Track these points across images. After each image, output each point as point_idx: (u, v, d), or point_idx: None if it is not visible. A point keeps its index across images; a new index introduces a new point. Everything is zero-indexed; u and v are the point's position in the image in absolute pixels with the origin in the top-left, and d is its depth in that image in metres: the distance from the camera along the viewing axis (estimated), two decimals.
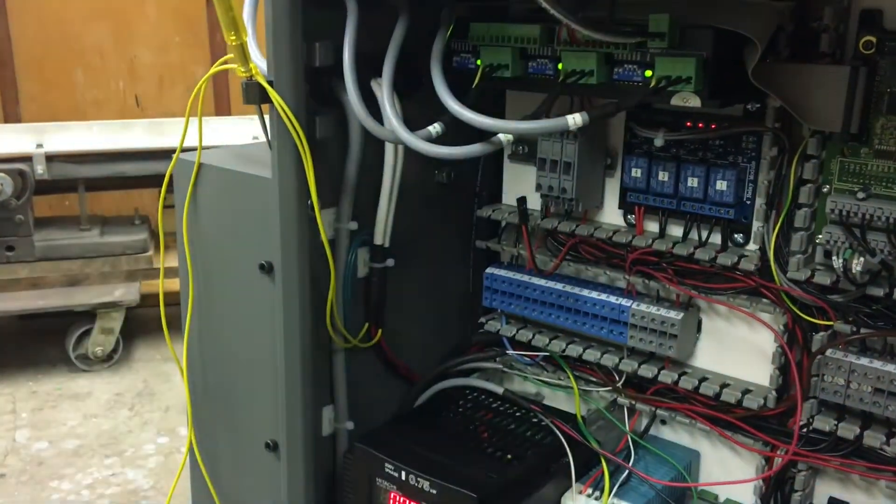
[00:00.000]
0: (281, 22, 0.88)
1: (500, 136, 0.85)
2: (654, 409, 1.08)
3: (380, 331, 1.14)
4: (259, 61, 0.95)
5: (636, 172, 1.03)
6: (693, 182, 0.99)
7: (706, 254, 0.99)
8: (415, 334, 1.23)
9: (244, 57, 0.90)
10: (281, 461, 1.05)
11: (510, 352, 1.18)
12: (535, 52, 0.95)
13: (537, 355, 1.17)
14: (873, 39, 0.84)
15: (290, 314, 0.99)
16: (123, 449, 2.12)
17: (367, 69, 0.97)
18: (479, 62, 0.98)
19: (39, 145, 2.45)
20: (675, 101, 0.85)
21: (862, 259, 0.85)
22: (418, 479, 0.97)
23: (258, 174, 1.01)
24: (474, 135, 0.89)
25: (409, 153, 1.06)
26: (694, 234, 1.03)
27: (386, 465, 1.00)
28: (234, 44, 0.89)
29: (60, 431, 2.21)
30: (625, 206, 1.08)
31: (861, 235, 0.84)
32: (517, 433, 1.08)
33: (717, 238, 1.01)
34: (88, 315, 2.54)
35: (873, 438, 0.90)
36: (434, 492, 0.96)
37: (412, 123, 0.92)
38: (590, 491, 1.02)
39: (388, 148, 1.04)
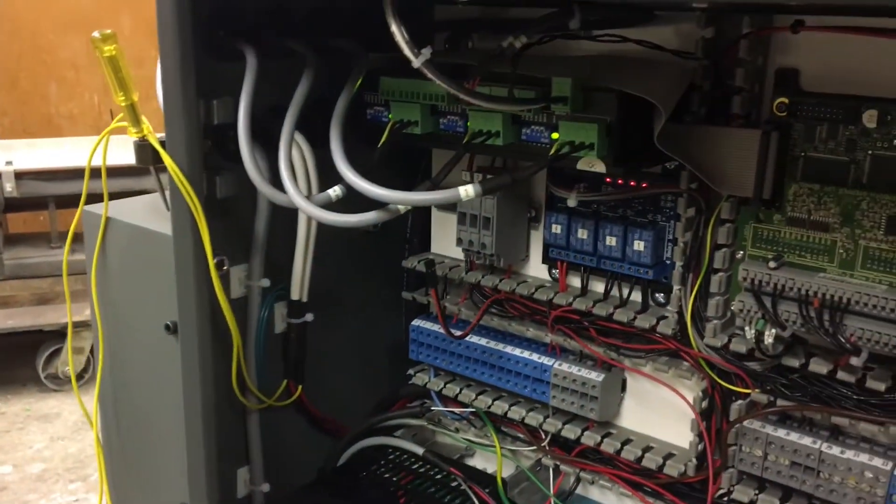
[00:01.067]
0: (172, 79, 0.85)
1: (400, 206, 0.81)
2: (578, 470, 1.04)
3: (300, 387, 1.10)
4: None
5: (556, 228, 0.99)
6: (611, 241, 0.95)
7: (625, 315, 0.95)
8: (341, 387, 1.19)
9: (135, 117, 0.86)
10: None
11: (436, 407, 1.14)
12: (445, 110, 0.91)
13: (464, 410, 1.13)
14: (786, 101, 0.80)
15: (190, 376, 0.95)
16: (88, 473, 2.10)
17: (277, 123, 0.94)
18: (390, 117, 0.94)
19: (9, 162, 2.43)
20: (582, 165, 0.81)
21: (774, 331, 0.81)
22: None
23: (163, 231, 0.97)
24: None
25: None
26: (616, 292, 0.99)
27: None
28: (123, 104, 0.85)
29: (26, 455, 2.19)
30: (548, 261, 1.04)
31: (772, 306, 0.80)
32: (435, 498, 1.04)
33: (638, 296, 0.97)
34: (59, 334, 2.51)
35: None
36: None
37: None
38: None
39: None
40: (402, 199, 0.77)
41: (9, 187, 2.39)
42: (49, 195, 2.47)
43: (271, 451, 1.09)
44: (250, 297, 1.03)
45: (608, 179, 0.95)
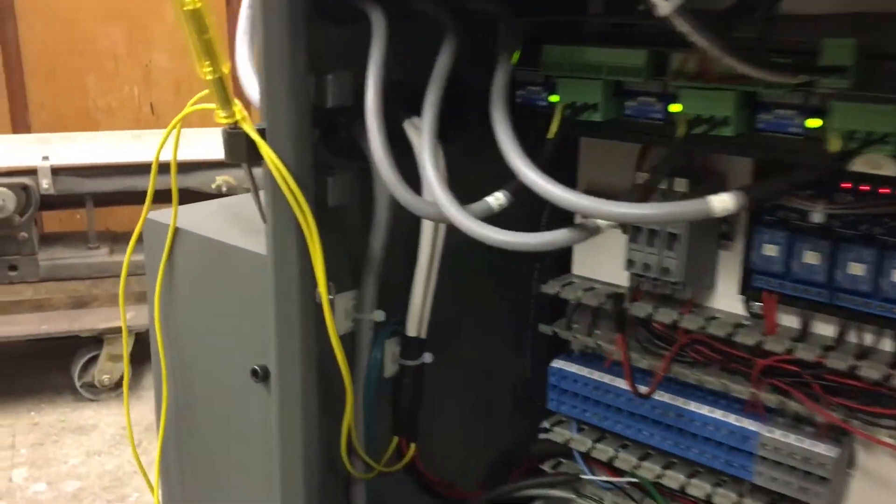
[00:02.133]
0: (277, 47, 0.61)
1: (599, 221, 0.57)
2: None
3: (412, 446, 0.86)
4: (254, 95, 0.68)
5: (770, 250, 0.74)
6: (857, 269, 0.70)
7: (877, 370, 0.70)
8: (458, 441, 0.95)
9: (225, 96, 0.62)
10: None
11: (585, 476, 0.89)
12: (638, 89, 0.66)
13: (621, 480, 0.88)
14: None
15: (287, 437, 0.72)
16: (127, 493, 1.91)
17: (395, 107, 0.70)
18: (554, 99, 0.70)
19: (45, 157, 2.26)
20: (861, 166, 0.56)
21: None
22: None
23: (250, 248, 0.74)
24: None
25: None
26: (852, 338, 0.74)
27: None
28: (209, 78, 0.61)
29: (60, 471, 2.02)
30: (749, 291, 0.79)
31: None
32: None
33: (886, 344, 0.72)
34: (95, 340, 2.33)
35: None
36: None
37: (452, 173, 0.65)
38: None
39: (427, 225, 0.77)
40: (622, 214, 0.52)
41: (45, 184, 2.22)
42: (87, 192, 2.28)
43: None
44: (359, 334, 0.79)
45: (845, 185, 0.69)
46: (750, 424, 0.77)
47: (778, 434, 0.76)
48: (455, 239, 0.85)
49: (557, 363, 0.90)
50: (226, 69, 0.62)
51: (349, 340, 0.79)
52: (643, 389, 0.80)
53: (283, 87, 0.62)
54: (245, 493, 0.81)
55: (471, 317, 0.93)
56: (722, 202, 0.50)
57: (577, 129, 0.70)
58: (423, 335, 0.83)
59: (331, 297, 0.73)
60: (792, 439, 0.75)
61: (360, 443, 0.80)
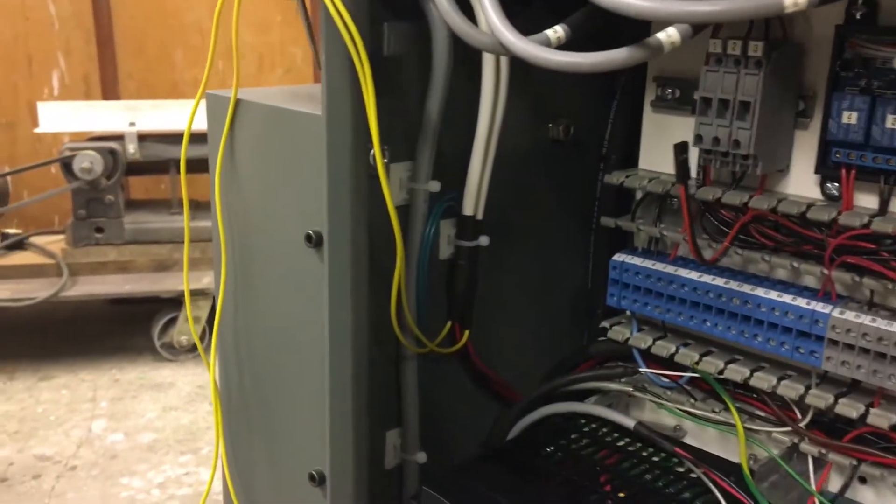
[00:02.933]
0: None
1: (662, 35, 0.54)
2: (855, 462, 0.74)
3: (466, 332, 0.85)
4: None
5: (849, 117, 0.70)
6: None
7: None
8: (513, 339, 0.93)
9: None
10: (327, 501, 0.78)
11: (643, 370, 0.86)
12: None
13: (681, 376, 0.85)
14: None
15: (338, 304, 0.71)
16: (200, 447, 1.96)
17: None
18: None
19: (132, 123, 2.33)
20: None
21: None
22: None
23: (308, 111, 0.73)
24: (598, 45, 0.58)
25: (516, 94, 0.77)
26: None
27: None
28: None
29: (138, 424, 2.09)
30: (825, 168, 0.75)
31: None
32: (654, 487, 0.76)
33: None
34: (176, 302, 2.39)
35: None
36: None
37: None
38: None
39: (487, 79, 0.75)
40: (693, 13, 0.49)
41: (131, 149, 2.30)
42: (171, 158, 2.36)
43: (427, 412, 0.84)
44: (413, 206, 0.78)
45: None
46: (821, 307, 0.73)
47: (850, 315, 0.71)
48: (516, 127, 0.84)
49: (620, 256, 0.87)
50: None
51: (404, 214, 0.78)
52: (708, 256, 0.77)
53: None
54: (300, 376, 0.81)
55: (531, 207, 0.91)
56: None
57: None
58: (480, 215, 0.82)
59: (385, 160, 0.73)
60: (866, 319, 0.70)
61: (412, 318, 0.79)
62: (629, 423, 0.81)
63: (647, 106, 0.88)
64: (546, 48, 0.57)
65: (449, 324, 0.84)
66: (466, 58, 0.76)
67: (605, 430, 0.85)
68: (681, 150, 0.71)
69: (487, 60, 0.75)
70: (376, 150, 0.68)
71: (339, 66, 0.65)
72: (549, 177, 0.92)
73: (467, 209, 0.81)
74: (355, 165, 0.69)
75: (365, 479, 0.77)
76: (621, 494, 0.74)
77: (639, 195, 0.89)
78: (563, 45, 0.60)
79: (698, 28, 0.53)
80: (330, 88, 0.67)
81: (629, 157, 0.92)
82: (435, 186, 0.77)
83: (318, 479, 0.79)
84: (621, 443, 0.83)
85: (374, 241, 0.74)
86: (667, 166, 0.87)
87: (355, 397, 0.74)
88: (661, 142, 0.87)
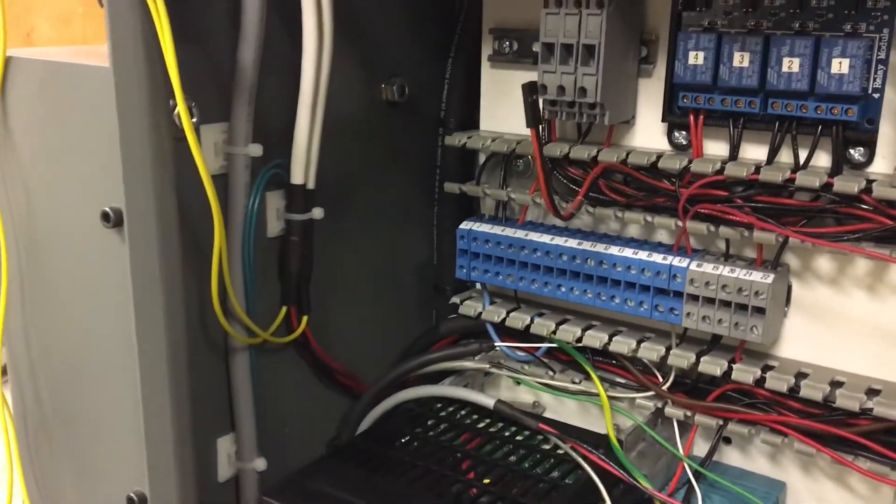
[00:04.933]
0: None
1: None
2: (721, 422, 0.71)
3: (304, 318, 0.76)
4: None
5: (696, 58, 0.67)
6: (791, 65, 0.63)
7: (816, 178, 0.63)
8: (357, 323, 0.85)
9: None
10: None
11: (498, 344, 0.80)
12: None
13: (538, 347, 0.80)
14: None
15: (146, 295, 0.60)
16: None
17: None
18: None
19: None
20: None
21: None
22: None
23: (93, 64, 0.61)
24: None
25: (343, 49, 0.69)
26: (784, 155, 0.67)
27: None
28: None
29: None
30: (672, 116, 0.71)
31: None
32: (521, 469, 0.70)
33: (820, 160, 0.66)
34: None
35: None
36: None
37: None
38: None
39: (308, 24, 0.66)
40: None
41: None
42: None
43: (265, 412, 0.74)
44: (233, 175, 0.68)
45: None
46: (677, 261, 0.69)
47: (708, 267, 0.68)
48: (347, 88, 0.76)
49: (467, 224, 0.80)
50: None
51: (222, 184, 0.68)
52: (564, 211, 0.71)
53: None
54: (106, 371, 0.69)
55: (368, 175, 0.83)
56: None
57: None
58: (312, 185, 0.72)
59: (194, 120, 0.62)
60: (724, 270, 0.67)
61: (239, 305, 0.69)
62: (488, 402, 0.74)
63: (484, 61, 0.82)
64: None
65: (284, 309, 0.74)
66: (284, 3, 0.66)
67: (463, 412, 0.78)
68: (530, 90, 0.65)
69: (308, 6, 0.66)
70: (181, 106, 0.58)
71: (126, 3, 0.54)
72: (386, 141, 0.84)
73: (296, 177, 0.71)
74: (155, 127, 0.58)
75: (194, 496, 0.67)
76: (486, 480, 0.67)
77: (482, 158, 0.83)
78: None
79: None
80: (116, 33, 0.56)
81: (469, 119, 0.86)
82: (256, 150, 0.67)
83: (137, 503, 0.68)
84: (482, 424, 0.76)
85: (187, 216, 0.63)
86: (510, 125, 0.81)
87: (175, 403, 0.63)
88: (502, 99, 0.81)
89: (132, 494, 0.67)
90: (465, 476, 0.68)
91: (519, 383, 0.84)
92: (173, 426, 0.63)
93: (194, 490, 0.66)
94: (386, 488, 0.67)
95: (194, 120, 0.62)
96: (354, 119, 0.80)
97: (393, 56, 0.82)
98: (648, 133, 0.74)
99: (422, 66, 0.85)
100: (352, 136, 0.80)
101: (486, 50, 0.82)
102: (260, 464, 0.73)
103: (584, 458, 0.67)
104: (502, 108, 0.81)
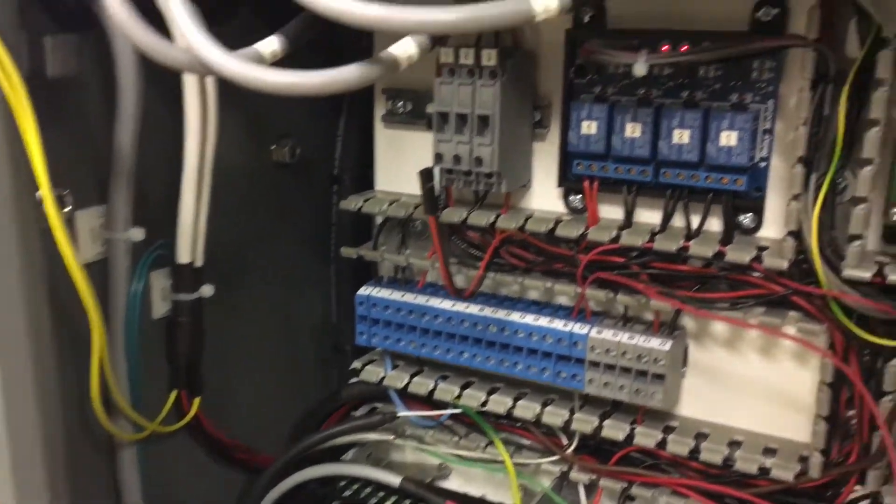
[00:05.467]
0: None
1: (398, 50, 0.45)
2: (625, 484, 0.72)
3: (196, 400, 0.72)
4: None
5: (589, 127, 0.67)
6: (681, 136, 0.63)
7: (709, 248, 0.64)
8: (254, 396, 0.82)
9: None
10: None
11: (402, 413, 0.78)
12: None
13: (441, 414, 0.78)
14: None
15: (17, 398, 0.55)
16: None
17: None
18: None
19: None
20: None
21: None
22: None
23: None
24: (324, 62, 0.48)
25: (229, 114, 0.65)
26: (678, 220, 0.67)
27: None
28: None
29: None
30: (568, 181, 0.71)
31: None
32: None
33: (713, 225, 0.67)
34: None
35: None
36: None
37: None
38: None
39: (191, 101, 0.63)
40: (427, 21, 0.41)
41: None
42: None
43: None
44: (113, 260, 0.64)
45: (665, 48, 0.63)
46: (578, 328, 0.69)
47: (608, 334, 0.68)
48: (233, 150, 0.72)
49: (365, 290, 0.78)
50: None
51: (102, 270, 0.64)
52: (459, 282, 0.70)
53: None
54: None
55: (260, 243, 0.80)
56: (545, 3, 0.40)
57: None
58: (200, 262, 0.69)
59: (68, 210, 0.58)
60: (623, 337, 0.68)
61: (123, 396, 0.65)
62: (395, 480, 0.72)
63: (378, 121, 0.80)
64: (259, 66, 0.46)
65: (174, 394, 0.70)
66: (163, 76, 0.63)
67: (368, 489, 0.76)
68: (426, 177, 0.63)
69: (189, 79, 0.62)
70: (45, 195, 0.53)
71: None
72: (278, 205, 0.81)
73: (183, 256, 0.68)
74: (19, 212, 0.54)
75: None
76: None
77: (379, 220, 0.81)
78: (279, 62, 0.49)
79: (438, 40, 0.45)
80: None
81: (363, 177, 0.84)
82: (138, 234, 0.63)
83: None
84: (389, 503, 0.74)
85: (65, 306, 0.59)
86: (406, 186, 0.79)
87: None
88: (398, 159, 0.80)
89: None
90: None
91: (425, 451, 0.82)
92: None
93: None
94: None
95: (67, 209, 0.57)
96: (244, 186, 0.76)
97: (283, 117, 0.80)
98: (545, 197, 0.73)
99: (313, 126, 0.83)
100: (242, 204, 0.76)
101: (380, 110, 0.80)
102: None
103: None
104: (397, 168, 0.80)
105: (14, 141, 0.52)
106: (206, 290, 0.70)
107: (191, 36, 0.47)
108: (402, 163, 0.79)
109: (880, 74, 0.56)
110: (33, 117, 0.51)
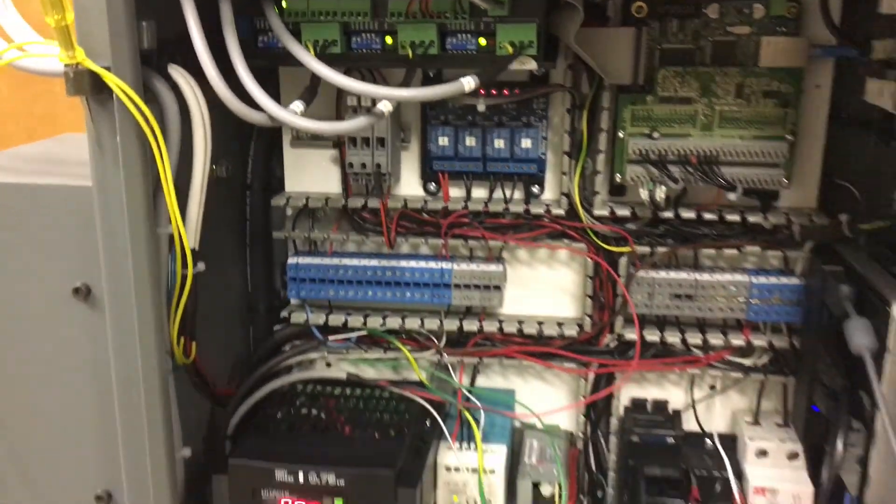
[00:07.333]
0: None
1: (382, 107, 0.84)
2: (478, 360, 1.16)
3: (194, 344, 1.03)
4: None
5: (443, 141, 1.09)
6: (500, 143, 1.09)
7: (519, 207, 1.09)
8: (209, 344, 1.13)
9: (69, 41, 0.75)
10: None
11: (333, 337, 1.16)
12: (361, 27, 0.94)
13: (350, 337, 1.16)
14: (643, 5, 1.01)
15: (126, 347, 0.86)
16: None
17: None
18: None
19: None
20: (517, 65, 0.93)
21: (664, 187, 1.03)
22: (320, 474, 0.92)
23: (72, 184, 0.84)
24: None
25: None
26: (497, 194, 1.12)
27: (276, 472, 0.93)
28: (59, 26, 0.74)
29: None
30: (427, 175, 1.13)
31: (663, 167, 1.02)
32: (374, 413, 1.07)
33: (517, 194, 1.13)
34: None
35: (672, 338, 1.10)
36: (342, 482, 0.92)
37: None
38: (457, 444, 1.07)
39: (198, 135, 0.95)
40: (411, 96, 0.81)
41: None
42: None
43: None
44: (158, 248, 0.94)
45: (482, 92, 1.07)
46: (445, 265, 1.12)
47: (464, 266, 1.12)
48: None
49: (293, 259, 1.14)
50: (70, 18, 0.75)
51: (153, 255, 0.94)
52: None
53: (123, 28, 0.77)
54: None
55: (209, 234, 1.11)
56: (468, 83, 0.82)
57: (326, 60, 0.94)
58: (197, 246, 1.00)
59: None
60: (474, 266, 1.11)
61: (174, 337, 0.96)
62: (341, 374, 1.10)
63: (286, 144, 1.16)
64: (299, 117, 0.83)
65: (182, 340, 1.01)
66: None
67: (317, 389, 1.13)
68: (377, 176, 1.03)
69: (196, 118, 0.94)
70: (174, 215, 0.84)
71: (132, 144, 0.80)
72: (222, 209, 1.13)
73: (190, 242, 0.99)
74: (142, 226, 0.85)
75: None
76: (356, 424, 1.04)
77: (289, 212, 1.17)
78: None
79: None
80: (128, 162, 0.81)
81: (268, 185, 1.18)
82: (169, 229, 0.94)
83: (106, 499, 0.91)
84: (336, 394, 1.12)
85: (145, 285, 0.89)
86: (309, 188, 1.16)
87: (165, 419, 0.88)
88: (303, 171, 1.16)
89: (101, 493, 0.91)
90: (342, 426, 1.04)
91: (329, 365, 1.19)
92: (163, 433, 0.89)
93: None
94: (299, 443, 0.99)
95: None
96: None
97: (221, 144, 1.11)
98: (410, 185, 1.15)
99: (236, 149, 1.15)
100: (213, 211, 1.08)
101: (287, 135, 1.15)
102: (186, 451, 0.99)
103: (413, 394, 1.07)
104: (302, 177, 1.16)
105: (147, 176, 0.82)
106: (200, 266, 1.02)
107: (264, 100, 0.82)
108: (306, 174, 1.15)
109: (603, 104, 1.05)
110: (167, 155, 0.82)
